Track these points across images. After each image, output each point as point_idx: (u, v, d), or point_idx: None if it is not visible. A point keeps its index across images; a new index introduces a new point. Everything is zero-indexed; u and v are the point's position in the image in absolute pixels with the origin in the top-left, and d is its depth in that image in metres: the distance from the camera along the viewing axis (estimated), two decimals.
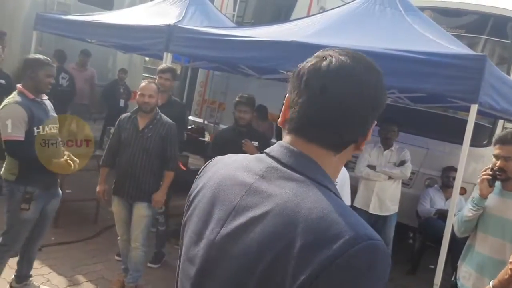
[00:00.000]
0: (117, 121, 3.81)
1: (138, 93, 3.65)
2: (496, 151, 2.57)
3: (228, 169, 0.98)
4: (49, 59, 3.36)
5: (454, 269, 5.05)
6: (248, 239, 0.83)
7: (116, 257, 4.35)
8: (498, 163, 2.52)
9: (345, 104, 0.88)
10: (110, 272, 4.07)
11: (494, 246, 2.53)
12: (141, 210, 3.69)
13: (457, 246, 5.00)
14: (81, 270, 4.04)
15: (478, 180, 2.57)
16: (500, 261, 2.25)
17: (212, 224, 0.92)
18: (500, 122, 5.38)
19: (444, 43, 3.46)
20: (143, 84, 3.70)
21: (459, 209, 5.29)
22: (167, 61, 4.74)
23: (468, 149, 5.11)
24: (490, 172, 2.55)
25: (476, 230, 2.69)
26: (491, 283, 1.96)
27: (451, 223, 3.43)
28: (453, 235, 4.22)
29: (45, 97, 3.39)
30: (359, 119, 0.90)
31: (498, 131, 5.43)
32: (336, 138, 0.90)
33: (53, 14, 6.58)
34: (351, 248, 0.75)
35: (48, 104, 3.42)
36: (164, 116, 3.78)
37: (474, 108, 3.13)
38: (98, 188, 3.82)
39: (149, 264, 4.46)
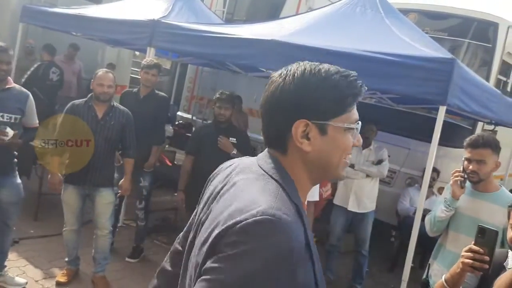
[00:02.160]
0: (69, 108, 3.71)
1: (96, 82, 3.64)
2: (468, 155, 2.63)
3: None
4: (3, 46, 3.29)
5: (426, 267, 5.15)
6: (211, 213, 1.06)
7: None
8: (471, 166, 2.60)
9: (269, 104, 1.12)
10: (87, 265, 4.08)
11: (467, 245, 2.59)
12: (106, 197, 3.73)
13: (433, 244, 5.10)
14: (58, 263, 4.06)
15: (450, 182, 2.64)
16: None
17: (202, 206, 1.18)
18: (480, 124, 5.45)
19: (420, 46, 3.51)
20: (100, 73, 3.68)
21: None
22: (150, 56, 4.75)
23: (449, 150, 5.23)
24: (463, 174, 2.62)
25: (448, 229, 2.75)
26: (443, 277, 1.99)
27: (419, 222, 3.50)
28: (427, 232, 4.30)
29: (10, 85, 3.37)
30: (278, 117, 1.10)
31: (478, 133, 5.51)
32: (270, 135, 1.12)
33: (39, 7, 6.56)
34: (251, 218, 0.92)
35: (12, 93, 3.38)
36: (119, 104, 3.84)
37: (442, 109, 3.21)
38: (52, 179, 3.71)
39: (127, 259, 4.50)
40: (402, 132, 5.68)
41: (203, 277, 0.94)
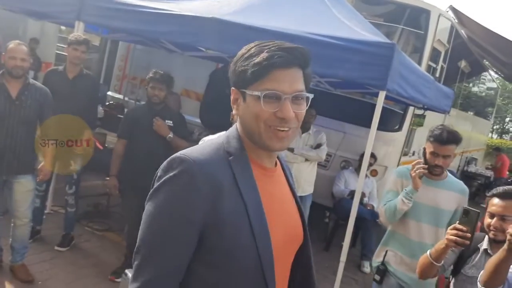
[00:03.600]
0: None
1: (7, 55, 3.33)
2: (434, 149, 2.64)
3: None
4: None
5: (365, 247, 5.33)
6: None
7: None
8: (437, 161, 2.65)
9: None
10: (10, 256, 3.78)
11: (430, 234, 2.75)
12: (26, 184, 3.48)
13: (366, 225, 5.27)
14: None
15: (413, 174, 2.65)
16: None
17: None
18: (411, 108, 5.67)
19: (360, 30, 3.51)
20: (11, 46, 3.36)
21: (371, 190, 5.53)
22: (78, 31, 4.40)
23: (381, 134, 5.39)
24: (426, 166, 2.67)
25: (407, 218, 2.78)
26: (428, 251, 2.25)
27: (357, 204, 3.55)
28: (360, 213, 4.41)
29: None
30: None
31: (409, 117, 5.73)
32: None
33: None
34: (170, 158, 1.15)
35: None
36: (34, 81, 3.56)
37: (382, 94, 3.23)
38: None
39: (56, 248, 4.22)
40: (338, 116, 5.77)
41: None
